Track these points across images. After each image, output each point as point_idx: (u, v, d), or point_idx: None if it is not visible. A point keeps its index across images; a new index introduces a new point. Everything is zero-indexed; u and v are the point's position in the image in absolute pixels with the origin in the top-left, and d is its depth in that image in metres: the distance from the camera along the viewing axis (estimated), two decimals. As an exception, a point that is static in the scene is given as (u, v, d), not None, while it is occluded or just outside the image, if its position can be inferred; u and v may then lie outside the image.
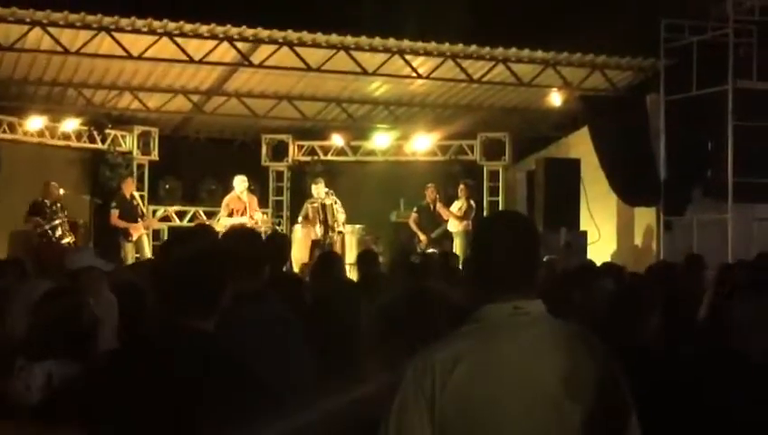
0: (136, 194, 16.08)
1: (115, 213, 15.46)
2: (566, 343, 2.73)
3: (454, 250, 15.87)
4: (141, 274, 7.36)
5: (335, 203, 15.76)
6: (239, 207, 15.57)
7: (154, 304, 3.10)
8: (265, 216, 17.02)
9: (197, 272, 3.01)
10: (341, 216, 15.83)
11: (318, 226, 15.55)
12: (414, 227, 16.50)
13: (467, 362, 2.63)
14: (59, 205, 14.80)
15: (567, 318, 2.94)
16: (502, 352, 2.67)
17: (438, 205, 16.46)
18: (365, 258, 8.90)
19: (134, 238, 15.25)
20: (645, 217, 15.70)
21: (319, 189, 15.85)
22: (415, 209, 16.69)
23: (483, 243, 2.89)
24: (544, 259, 9.87)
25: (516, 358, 2.66)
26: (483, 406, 2.62)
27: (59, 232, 14.53)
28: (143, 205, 16.39)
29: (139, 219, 15.69)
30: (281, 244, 9.01)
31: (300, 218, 16.09)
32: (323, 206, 15.63)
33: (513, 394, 2.63)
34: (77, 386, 3.19)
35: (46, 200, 14.66)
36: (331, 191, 15.92)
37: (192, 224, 17.63)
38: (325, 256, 8.74)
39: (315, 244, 15.38)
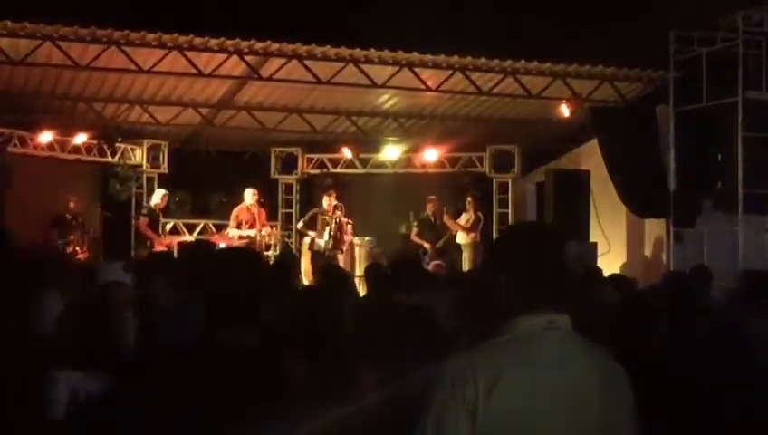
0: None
1: (145, 221, 15.63)
2: (591, 359, 2.82)
3: (463, 262, 15.93)
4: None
5: (349, 223, 15.86)
6: (248, 219, 15.60)
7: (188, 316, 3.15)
8: (274, 229, 17.05)
9: (238, 285, 3.06)
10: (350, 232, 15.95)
11: (326, 238, 15.57)
12: (417, 239, 16.55)
13: (508, 379, 2.69)
14: (80, 219, 14.98)
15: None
16: (539, 368, 2.73)
17: (446, 217, 16.50)
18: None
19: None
20: (655, 229, 15.67)
21: (330, 201, 15.89)
22: (415, 223, 16.75)
23: (519, 255, 2.92)
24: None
25: (552, 374, 2.73)
26: (527, 419, 2.68)
27: (70, 247, 14.62)
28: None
29: (161, 235, 15.91)
30: (288, 263, 9.05)
31: (300, 223, 16.17)
32: (336, 219, 15.66)
33: (555, 409, 2.70)
34: (109, 399, 3.21)
35: (67, 214, 14.86)
36: (341, 205, 15.94)
37: (202, 237, 17.64)
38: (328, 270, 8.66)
39: (316, 254, 15.40)
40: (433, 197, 16.89)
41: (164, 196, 16.32)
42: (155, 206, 16.05)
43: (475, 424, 2.65)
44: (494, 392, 2.65)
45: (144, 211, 15.90)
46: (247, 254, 3.45)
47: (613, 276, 8.85)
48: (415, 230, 16.72)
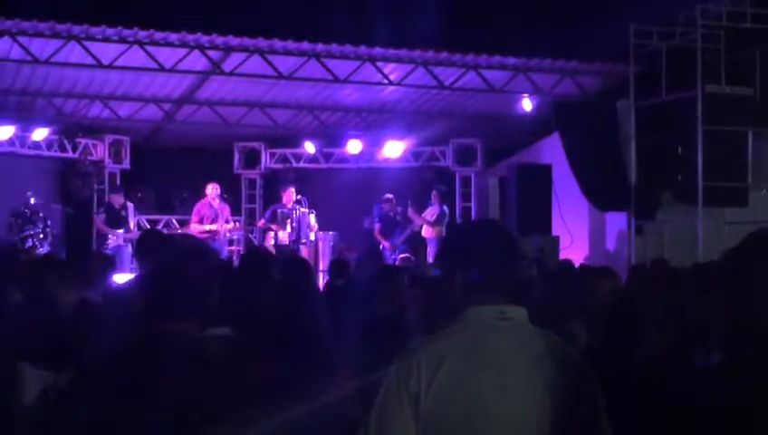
0: (130, 205, 15.88)
1: (101, 217, 15.31)
2: (544, 350, 2.82)
3: (427, 256, 15.97)
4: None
5: (312, 214, 15.84)
6: (209, 214, 15.52)
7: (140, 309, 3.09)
8: (237, 224, 16.97)
9: (183, 274, 3.01)
10: (314, 224, 15.93)
11: (287, 231, 15.54)
12: (378, 237, 16.69)
13: (451, 363, 2.71)
14: (40, 214, 14.76)
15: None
16: (485, 354, 2.75)
17: (410, 210, 16.54)
18: (336, 267, 8.85)
19: (111, 245, 14.99)
20: (616, 222, 15.77)
21: (290, 196, 15.86)
22: (377, 220, 16.85)
23: (469, 248, 2.95)
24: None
25: (498, 361, 2.75)
26: (466, 406, 2.69)
27: (29, 242, 14.47)
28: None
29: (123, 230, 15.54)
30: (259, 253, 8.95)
31: (262, 220, 16.16)
32: (294, 211, 15.62)
33: (495, 396, 2.71)
34: (66, 396, 3.18)
35: (26, 210, 14.66)
36: (302, 199, 15.92)
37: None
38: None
39: (280, 248, 15.37)
40: (389, 196, 16.93)
41: (115, 196, 15.87)
42: (109, 204, 15.65)
43: (418, 414, 2.67)
44: (436, 378, 2.68)
45: (101, 209, 15.58)
46: (193, 242, 3.38)
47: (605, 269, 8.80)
48: (378, 227, 16.82)
